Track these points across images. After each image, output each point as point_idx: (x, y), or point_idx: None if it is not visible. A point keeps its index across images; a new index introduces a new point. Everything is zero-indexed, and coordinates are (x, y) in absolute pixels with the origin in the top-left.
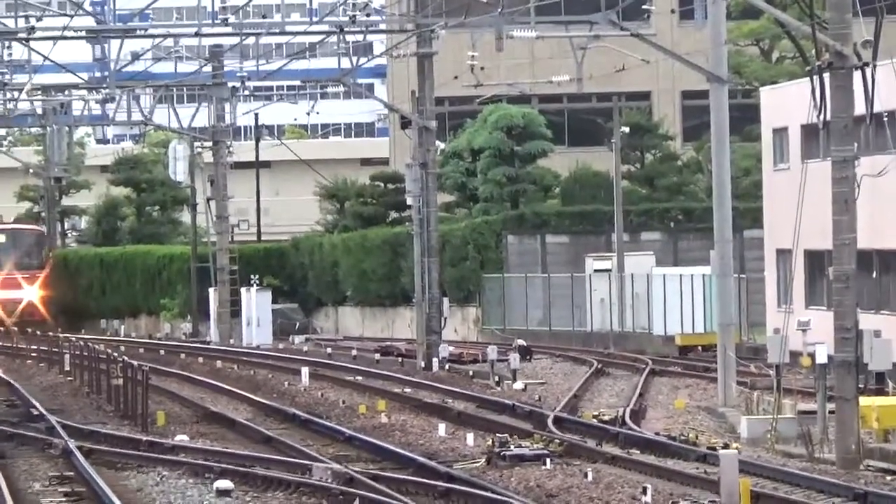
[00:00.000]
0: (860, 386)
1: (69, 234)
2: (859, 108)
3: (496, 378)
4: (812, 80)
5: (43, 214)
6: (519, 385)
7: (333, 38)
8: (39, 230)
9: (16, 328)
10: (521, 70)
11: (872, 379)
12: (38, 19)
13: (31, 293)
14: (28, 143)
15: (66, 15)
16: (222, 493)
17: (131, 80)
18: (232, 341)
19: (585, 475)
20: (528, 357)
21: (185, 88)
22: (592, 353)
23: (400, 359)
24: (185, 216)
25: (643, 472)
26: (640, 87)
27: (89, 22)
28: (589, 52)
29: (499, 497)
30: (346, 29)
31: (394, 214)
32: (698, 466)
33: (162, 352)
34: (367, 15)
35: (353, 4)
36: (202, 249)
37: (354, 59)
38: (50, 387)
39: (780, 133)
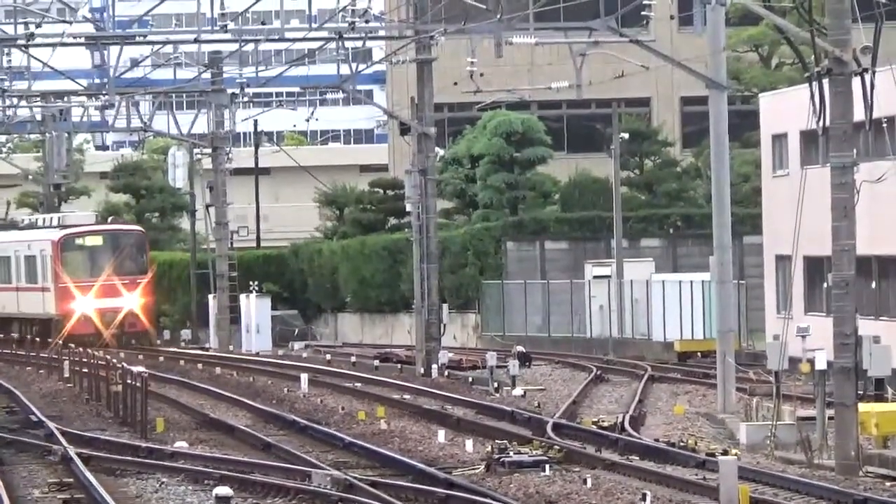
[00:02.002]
0: (859, 392)
1: None
2: (858, 115)
3: (495, 384)
4: (811, 86)
5: None
6: (518, 391)
7: (332, 45)
8: (140, 231)
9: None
10: (521, 76)
11: (871, 385)
12: (38, 26)
13: (132, 301)
14: (27, 149)
15: (65, 21)
16: (221, 499)
17: (130, 87)
18: (231, 348)
19: (585, 481)
20: (527, 363)
21: (184, 95)
22: (592, 360)
23: (399, 365)
24: (185, 223)
25: (642, 479)
26: (640, 93)
27: (88, 28)
28: (588, 59)
29: (498, 503)
30: (345, 35)
31: (393, 221)
32: (697, 473)
33: (161, 358)
34: (367, 21)
35: (353, 11)
36: (201, 256)
37: (353, 65)
38: (49, 393)
39: (780, 139)
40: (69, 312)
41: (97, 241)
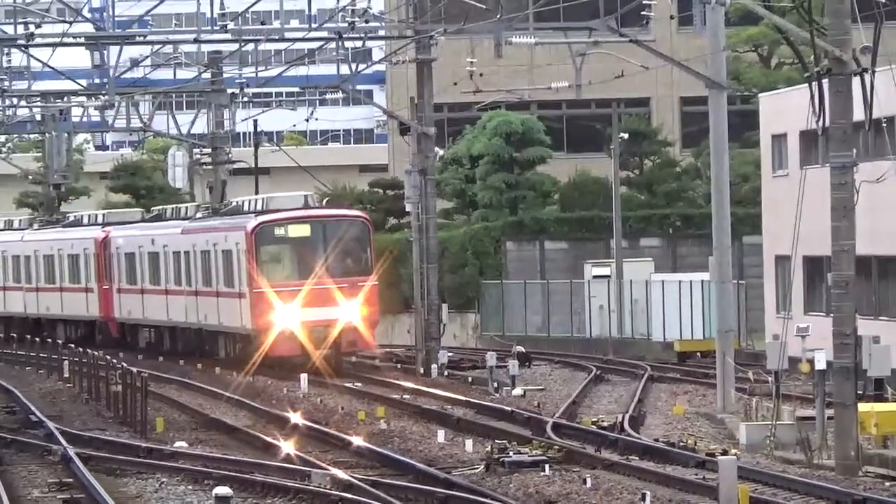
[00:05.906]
0: (859, 392)
1: None
2: (858, 115)
3: (495, 384)
4: (811, 86)
5: None
6: (518, 391)
7: (332, 45)
8: (363, 217)
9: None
10: (520, 76)
11: (871, 385)
12: (38, 26)
13: (351, 312)
14: (27, 149)
15: (65, 21)
16: (221, 499)
17: (130, 87)
18: None
19: (584, 481)
20: (527, 363)
21: (184, 95)
22: (591, 360)
23: (399, 365)
24: None
25: (642, 479)
26: (639, 93)
27: (88, 28)
28: (588, 59)
29: (498, 503)
30: (344, 35)
31: (393, 221)
32: (697, 473)
33: (161, 358)
34: (366, 21)
35: (352, 11)
36: None
37: (353, 65)
38: (49, 393)
39: (779, 139)
40: (267, 326)
41: (304, 230)
